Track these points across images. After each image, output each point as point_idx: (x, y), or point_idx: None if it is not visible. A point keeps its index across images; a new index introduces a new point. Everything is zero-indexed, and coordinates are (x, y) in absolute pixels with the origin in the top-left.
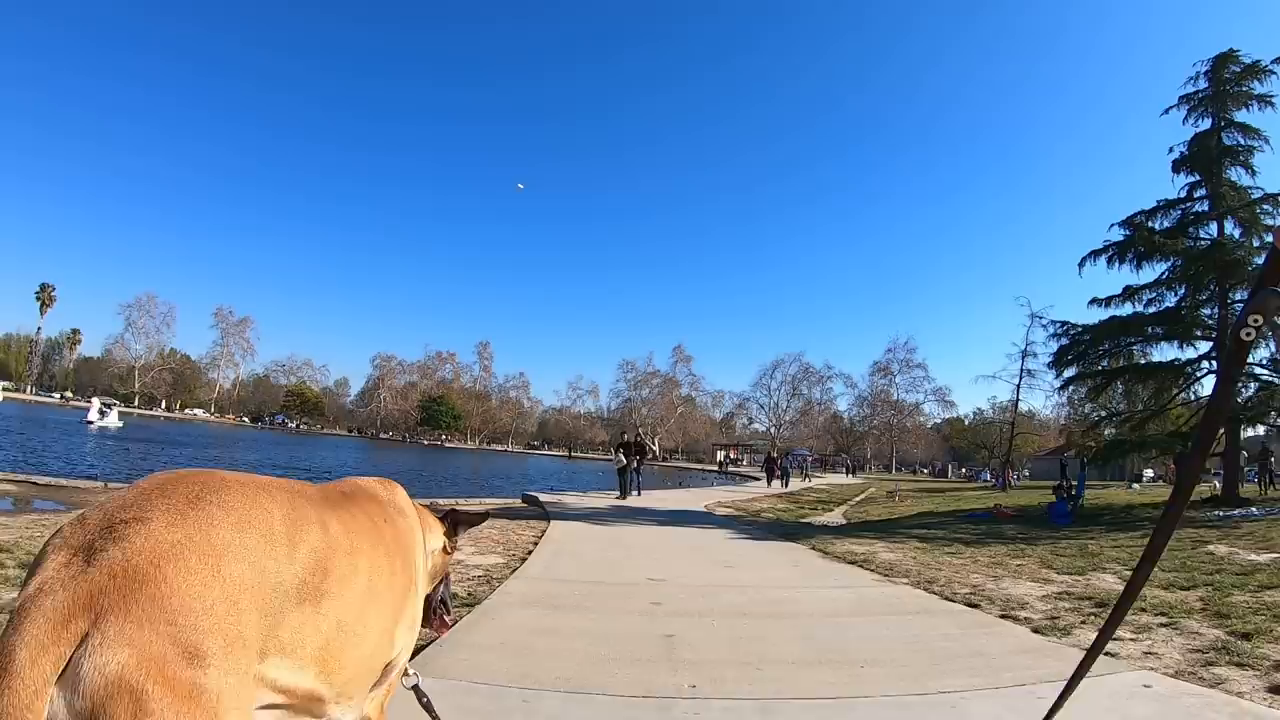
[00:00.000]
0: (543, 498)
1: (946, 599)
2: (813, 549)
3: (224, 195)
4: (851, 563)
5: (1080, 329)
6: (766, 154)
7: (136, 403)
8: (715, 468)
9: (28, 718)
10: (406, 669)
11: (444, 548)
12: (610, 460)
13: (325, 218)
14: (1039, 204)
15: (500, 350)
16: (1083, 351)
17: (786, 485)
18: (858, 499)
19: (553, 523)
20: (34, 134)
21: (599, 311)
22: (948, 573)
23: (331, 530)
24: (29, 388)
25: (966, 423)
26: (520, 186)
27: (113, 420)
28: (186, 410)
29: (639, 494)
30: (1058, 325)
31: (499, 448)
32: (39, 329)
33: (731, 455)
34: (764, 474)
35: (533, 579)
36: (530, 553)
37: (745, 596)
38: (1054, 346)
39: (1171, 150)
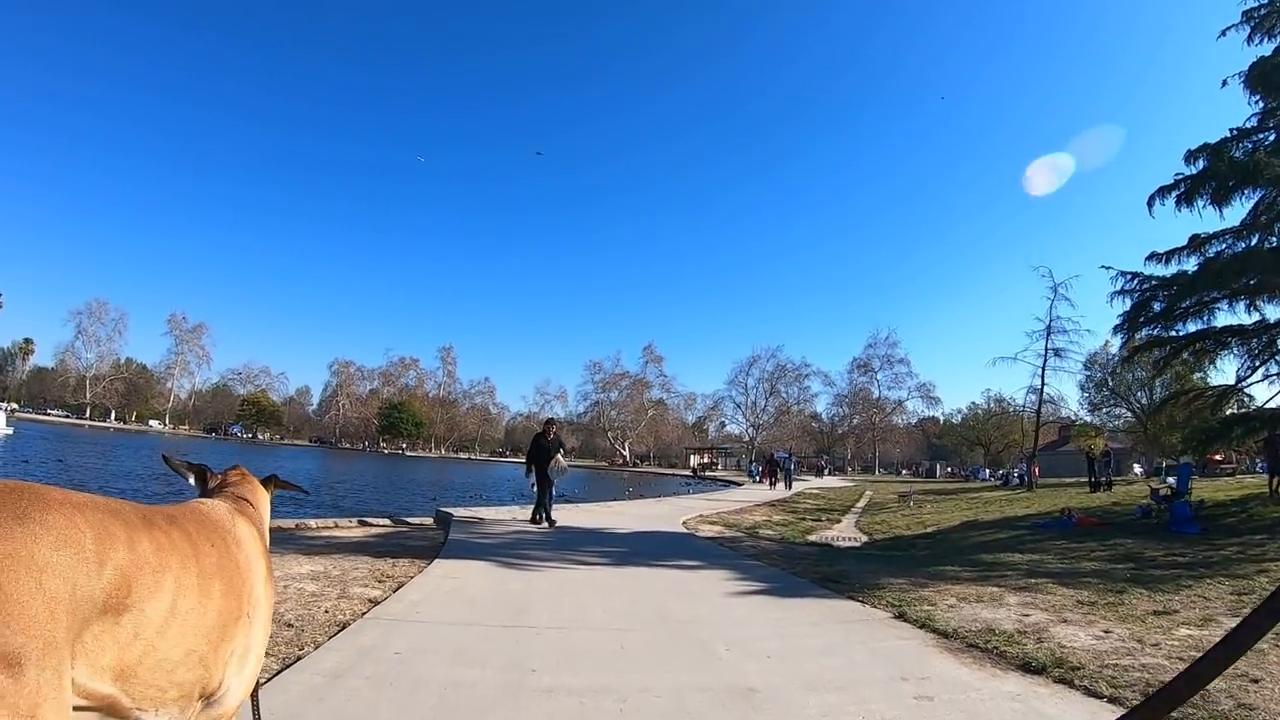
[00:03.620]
0: (458, 514)
1: None
2: (901, 618)
3: (176, 197)
4: (1028, 667)
5: (1157, 281)
6: (737, 145)
7: (89, 414)
8: (689, 472)
9: None
10: None
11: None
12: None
13: (282, 220)
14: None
15: (465, 355)
16: (1164, 310)
17: (789, 487)
18: (860, 504)
19: (436, 563)
20: None
21: (566, 312)
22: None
23: (140, 549)
24: None
25: (956, 420)
26: (421, 159)
27: None
28: (141, 421)
29: (546, 522)
30: (1127, 278)
31: (464, 455)
32: None
33: (706, 459)
34: (763, 476)
35: None
36: (282, 671)
37: None
38: (1121, 306)
39: (1226, 83)
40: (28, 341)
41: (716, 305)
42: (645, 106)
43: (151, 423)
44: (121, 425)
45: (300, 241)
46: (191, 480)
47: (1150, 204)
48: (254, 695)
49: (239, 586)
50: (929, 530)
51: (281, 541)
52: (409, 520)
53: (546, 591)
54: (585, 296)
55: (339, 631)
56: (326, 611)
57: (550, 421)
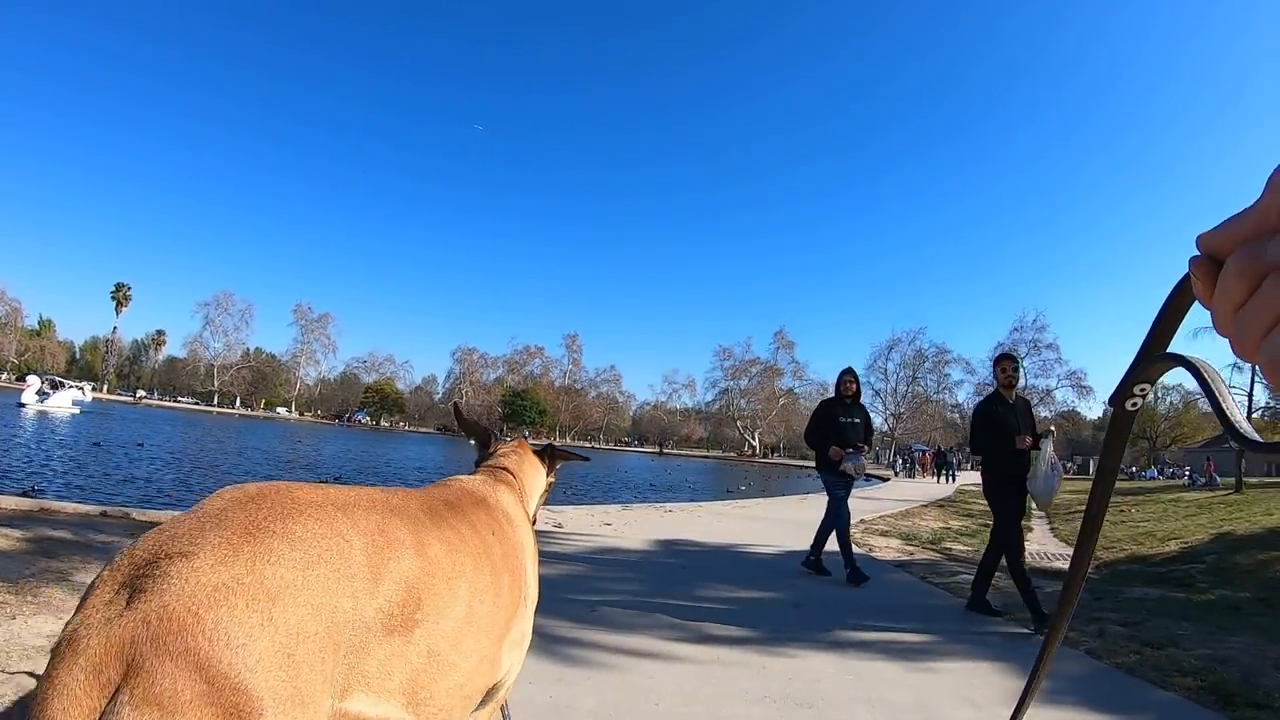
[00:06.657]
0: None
1: None
2: None
3: (294, 192)
4: None
5: None
6: (876, 133)
7: (217, 401)
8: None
9: None
10: None
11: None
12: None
13: (407, 209)
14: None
15: (591, 343)
16: None
17: (953, 481)
18: (1033, 505)
19: None
20: (104, 133)
21: (696, 299)
22: None
23: (430, 553)
24: (105, 387)
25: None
26: (479, 128)
27: (59, 402)
28: (269, 409)
29: (848, 572)
30: None
31: (588, 444)
32: (114, 328)
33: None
34: (925, 469)
35: None
36: None
37: None
38: None
39: None
40: (159, 333)
41: (853, 288)
42: (777, 94)
43: (279, 410)
44: (247, 412)
45: (425, 230)
46: (473, 443)
47: None
48: None
49: (520, 572)
50: (1173, 548)
51: None
52: None
53: None
54: (716, 283)
55: None
56: None
57: (848, 373)
